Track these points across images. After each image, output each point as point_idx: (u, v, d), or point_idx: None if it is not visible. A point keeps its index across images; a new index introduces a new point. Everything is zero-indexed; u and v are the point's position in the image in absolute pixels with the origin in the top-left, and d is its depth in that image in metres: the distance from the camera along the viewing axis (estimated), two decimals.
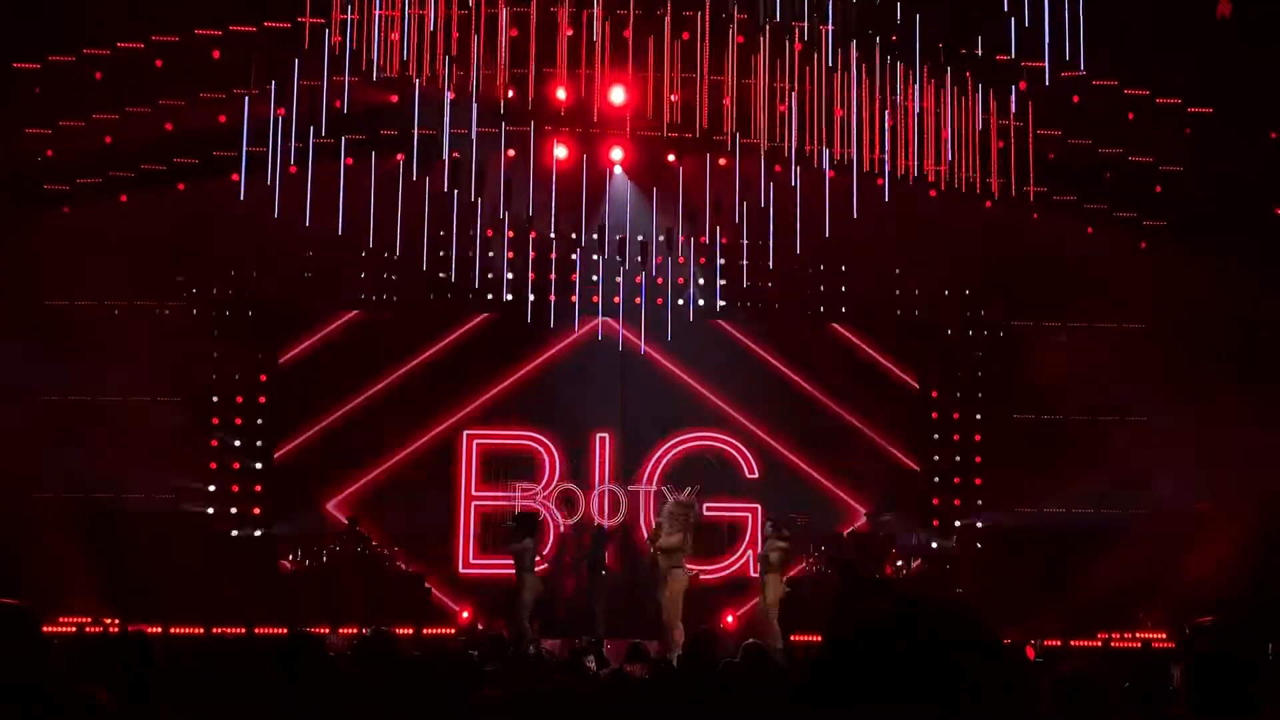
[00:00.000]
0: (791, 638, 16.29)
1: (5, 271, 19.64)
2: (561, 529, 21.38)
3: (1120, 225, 19.97)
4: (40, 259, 19.50)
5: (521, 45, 16.35)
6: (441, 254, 20.18)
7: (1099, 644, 18.69)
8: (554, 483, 21.70)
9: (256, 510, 21.51)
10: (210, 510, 21.21)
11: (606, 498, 21.65)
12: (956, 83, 16.84)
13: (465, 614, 20.16)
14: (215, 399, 21.67)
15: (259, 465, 21.77)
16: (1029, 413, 22.04)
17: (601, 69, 16.54)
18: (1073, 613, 18.18)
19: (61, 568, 17.25)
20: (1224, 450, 19.07)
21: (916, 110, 16.77)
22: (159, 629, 16.55)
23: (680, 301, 21.77)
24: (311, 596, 18.99)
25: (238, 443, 21.72)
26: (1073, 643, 18.09)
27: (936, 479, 22.41)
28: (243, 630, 16.52)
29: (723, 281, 21.43)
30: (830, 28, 15.95)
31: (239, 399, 21.81)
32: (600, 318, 21.26)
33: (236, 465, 21.69)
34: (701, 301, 21.73)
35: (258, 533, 21.36)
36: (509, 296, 21.14)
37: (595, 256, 20.85)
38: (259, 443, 21.81)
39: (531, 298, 20.62)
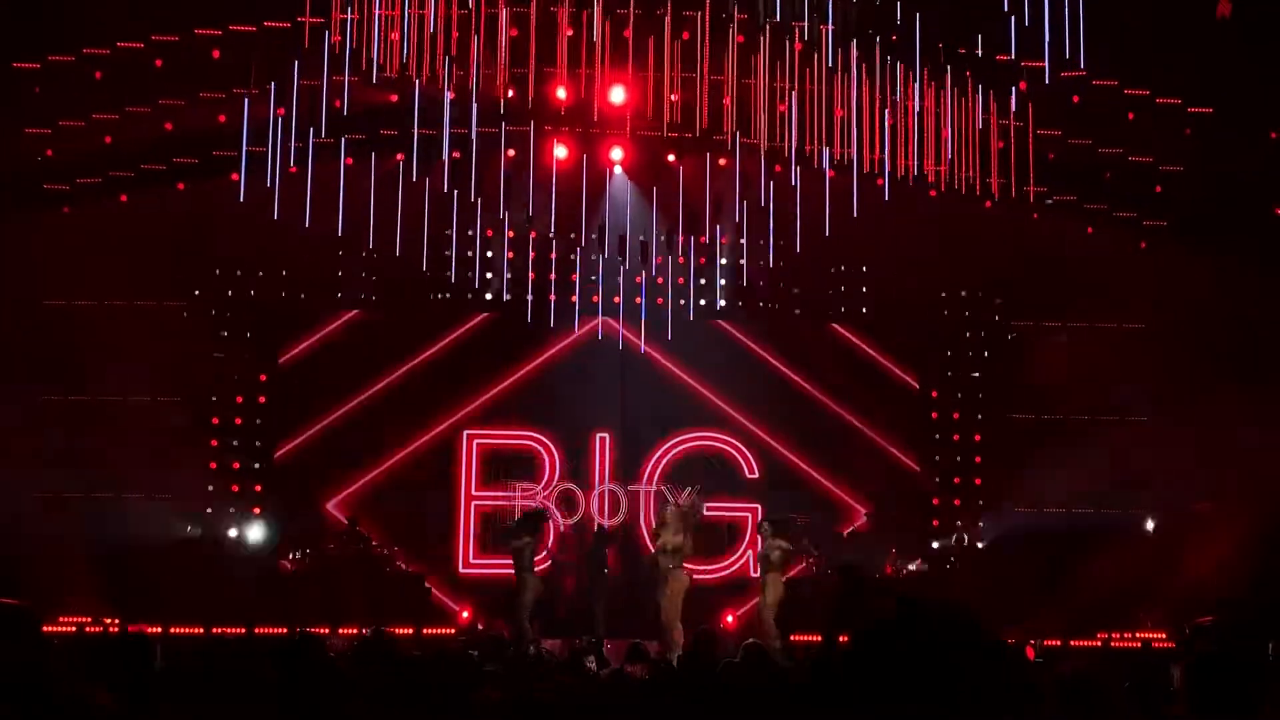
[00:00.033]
0: (791, 638, 16.27)
1: (5, 271, 19.59)
2: (562, 529, 21.38)
3: (1120, 225, 19.96)
4: (40, 259, 19.47)
5: (521, 45, 16.36)
6: (442, 254, 20.20)
7: (1099, 644, 18.66)
8: (554, 483, 21.70)
9: (256, 510, 21.51)
10: (209, 510, 21.21)
11: (607, 498, 21.66)
12: (956, 83, 16.84)
13: (465, 614, 20.16)
14: (215, 399, 21.67)
15: (259, 465, 21.78)
16: (1029, 413, 22.02)
17: (601, 69, 16.54)
18: (1073, 613, 18.15)
19: (62, 568, 17.24)
20: (1224, 450, 19.05)
21: (916, 110, 16.77)
22: (159, 629, 16.53)
23: (680, 301, 21.75)
24: (311, 596, 18.96)
25: (237, 443, 21.73)
26: (1073, 643, 18.06)
27: (937, 479, 22.42)
28: (243, 630, 16.49)
29: (723, 281, 21.42)
30: (830, 28, 15.96)
31: (239, 399, 21.81)
32: (600, 318, 21.24)
33: (236, 465, 21.70)
34: (701, 301, 21.72)
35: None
36: (509, 296, 21.13)
37: (595, 256, 20.81)
38: (259, 443, 21.81)
39: (531, 298, 20.61)
